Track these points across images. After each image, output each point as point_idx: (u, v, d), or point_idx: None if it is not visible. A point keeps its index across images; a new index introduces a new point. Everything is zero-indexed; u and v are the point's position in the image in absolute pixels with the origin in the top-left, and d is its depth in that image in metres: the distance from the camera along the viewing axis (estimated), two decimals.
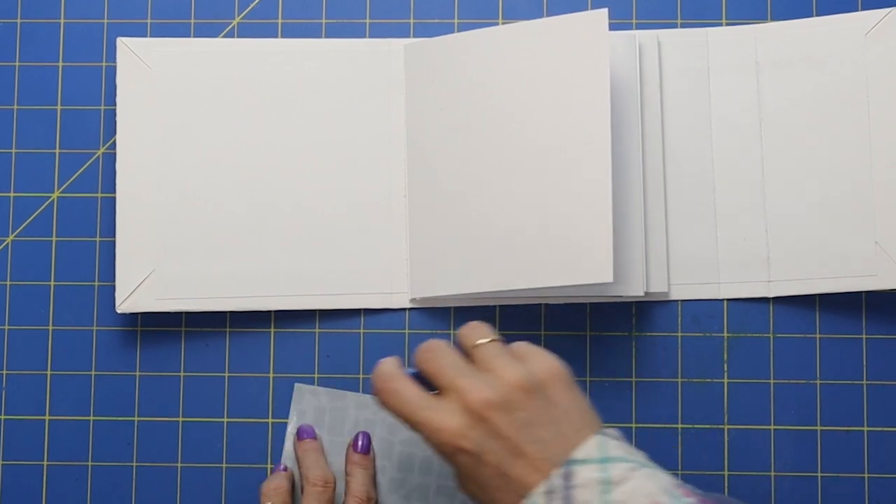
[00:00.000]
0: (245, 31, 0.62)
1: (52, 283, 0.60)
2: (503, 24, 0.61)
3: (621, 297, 0.59)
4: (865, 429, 0.59)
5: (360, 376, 0.59)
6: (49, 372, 0.60)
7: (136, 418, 0.60)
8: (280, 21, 0.62)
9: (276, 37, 0.62)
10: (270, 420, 0.59)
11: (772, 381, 0.59)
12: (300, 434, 0.58)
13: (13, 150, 0.61)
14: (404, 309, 0.60)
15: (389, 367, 0.49)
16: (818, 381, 0.59)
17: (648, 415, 0.59)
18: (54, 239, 0.61)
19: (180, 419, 0.60)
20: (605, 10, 0.55)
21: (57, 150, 0.61)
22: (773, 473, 0.59)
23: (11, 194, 0.61)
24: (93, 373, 0.60)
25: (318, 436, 0.58)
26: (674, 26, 0.61)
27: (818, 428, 0.59)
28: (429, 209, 0.59)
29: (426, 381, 0.48)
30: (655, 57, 0.60)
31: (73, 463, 0.59)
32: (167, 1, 0.62)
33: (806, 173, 0.59)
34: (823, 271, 0.58)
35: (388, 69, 0.61)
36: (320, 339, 0.60)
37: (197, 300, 0.59)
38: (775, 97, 0.60)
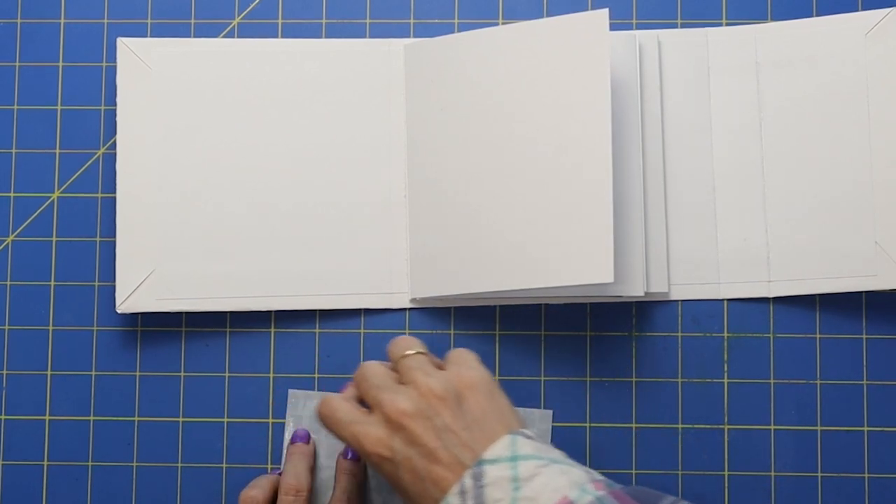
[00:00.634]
0: (245, 31, 0.62)
1: (52, 283, 0.60)
2: (503, 24, 0.61)
3: (621, 297, 0.59)
4: (865, 429, 0.59)
5: None
6: (49, 372, 0.60)
7: (136, 418, 0.60)
8: (280, 21, 0.62)
9: (276, 37, 0.62)
10: (270, 420, 0.59)
11: (772, 381, 0.59)
12: (293, 437, 0.58)
13: (13, 150, 0.61)
14: (404, 309, 0.60)
15: (332, 394, 0.53)
16: (818, 381, 0.59)
17: (648, 415, 0.59)
18: (54, 239, 0.61)
19: (180, 419, 0.60)
20: (605, 11, 0.55)
21: (57, 150, 0.61)
22: (773, 473, 0.59)
23: (11, 194, 0.61)
24: (93, 373, 0.60)
25: (316, 440, 0.58)
26: (674, 26, 0.61)
27: (818, 428, 0.59)
28: (429, 209, 0.59)
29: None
30: (655, 57, 0.60)
31: (73, 463, 0.59)
32: (167, 1, 0.62)
33: (806, 173, 0.59)
34: (823, 271, 0.58)
35: (388, 69, 0.61)
36: (320, 339, 0.60)
37: (197, 300, 0.59)
38: (775, 97, 0.60)
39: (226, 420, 0.59)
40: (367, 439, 0.48)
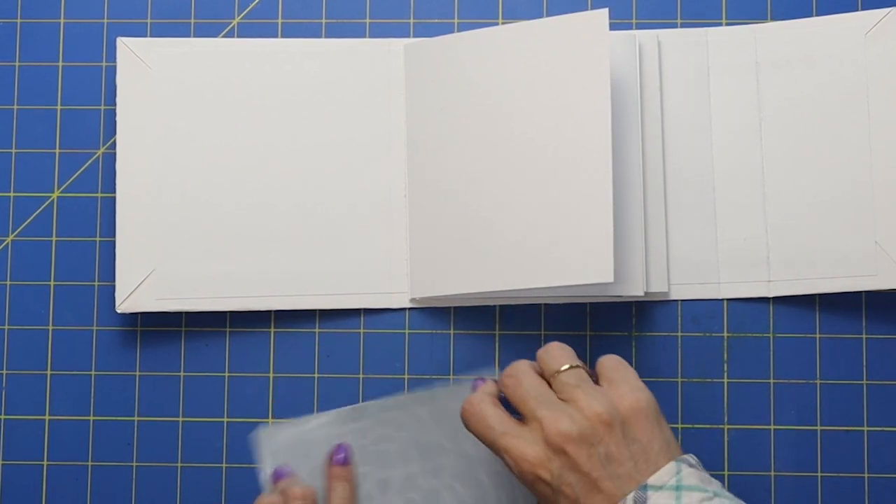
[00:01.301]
0: (245, 31, 0.62)
1: (52, 283, 0.60)
2: (503, 24, 0.61)
3: (621, 297, 0.59)
4: (865, 429, 0.59)
5: (360, 376, 0.59)
6: (49, 372, 0.60)
7: (136, 418, 0.60)
8: (280, 21, 0.62)
9: (276, 37, 0.62)
10: (270, 420, 0.59)
11: (772, 381, 0.59)
12: (275, 478, 0.55)
13: (13, 150, 0.61)
14: (404, 309, 0.60)
15: (479, 392, 0.50)
16: (818, 381, 0.59)
17: None
18: (54, 239, 0.61)
19: (180, 419, 0.60)
20: (605, 10, 0.55)
21: (57, 150, 0.61)
22: (773, 473, 0.59)
23: (11, 194, 0.61)
24: (93, 373, 0.60)
25: (294, 470, 0.56)
26: (674, 26, 0.61)
27: (818, 428, 0.59)
28: (429, 209, 0.59)
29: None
30: (655, 57, 0.60)
31: (73, 463, 0.59)
32: (167, 1, 0.62)
33: (806, 173, 0.59)
34: (823, 271, 0.58)
35: (388, 69, 0.61)
36: (320, 339, 0.60)
37: (197, 300, 0.59)
38: (775, 97, 0.60)
39: (226, 420, 0.59)
40: (523, 457, 0.46)
